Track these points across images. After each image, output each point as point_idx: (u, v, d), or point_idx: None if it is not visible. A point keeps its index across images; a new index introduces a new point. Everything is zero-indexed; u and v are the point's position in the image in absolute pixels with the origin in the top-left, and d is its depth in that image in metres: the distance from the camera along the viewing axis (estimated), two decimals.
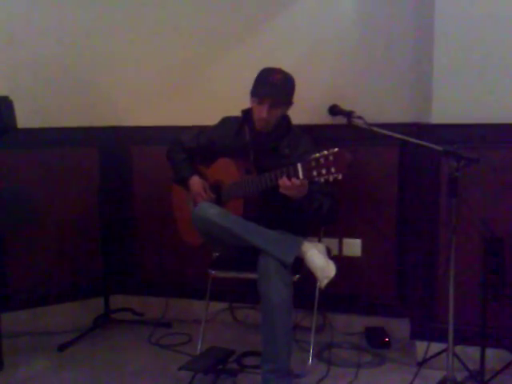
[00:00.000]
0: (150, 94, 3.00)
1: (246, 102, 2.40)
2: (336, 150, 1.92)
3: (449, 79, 2.27)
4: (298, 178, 2.02)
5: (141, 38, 2.97)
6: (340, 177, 1.92)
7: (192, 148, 2.58)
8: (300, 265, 2.19)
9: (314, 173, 1.95)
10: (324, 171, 1.94)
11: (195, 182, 2.51)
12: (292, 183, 2.05)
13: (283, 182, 2.08)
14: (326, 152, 1.93)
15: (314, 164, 1.96)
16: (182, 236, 2.67)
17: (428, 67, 2.35)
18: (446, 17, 2.24)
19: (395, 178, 2.66)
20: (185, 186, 2.56)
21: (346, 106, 2.32)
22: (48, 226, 2.86)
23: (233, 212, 2.28)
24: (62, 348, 2.65)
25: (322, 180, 1.95)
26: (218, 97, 2.84)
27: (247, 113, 2.42)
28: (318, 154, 1.95)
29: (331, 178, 1.93)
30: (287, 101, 2.33)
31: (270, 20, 2.76)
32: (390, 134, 2.16)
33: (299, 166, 2.01)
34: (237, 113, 2.48)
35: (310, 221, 2.35)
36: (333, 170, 1.92)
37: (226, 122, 2.53)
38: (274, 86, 2.27)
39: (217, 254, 2.54)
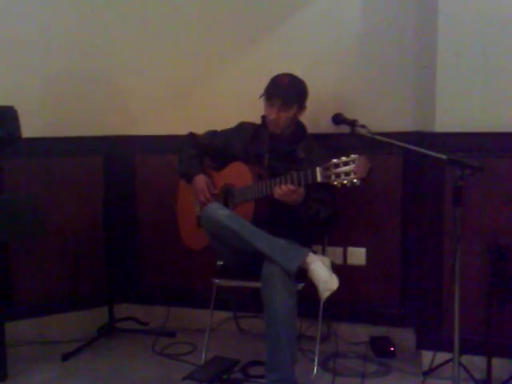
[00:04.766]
0: (154, 104, 3.02)
1: (250, 111, 2.43)
2: (356, 156, 1.95)
3: (452, 88, 2.27)
4: (315, 181, 2.05)
5: (145, 49, 2.99)
6: (358, 183, 1.95)
7: (205, 145, 2.60)
8: (304, 274, 2.19)
9: (333, 177, 1.99)
10: (343, 176, 1.97)
11: (200, 179, 2.53)
12: (287, 189, 2.13)
13: (277, 188, 2.16)
14: (345, 158, 1.97)
15: (332, 169, 2.00)
16: (183, 239, 2.67)
17: (431, 76, 2.35)
18: (450, 26, 2.25)
19: (399, 187, 2.66)
20: (188, 182, 2.58)
21: (349, 114, 2.32)
22: (52, 235, 2.87)
23: (242, 216, 2.30)
24: (65, 357, 2.65)
25: (339, 185, 1.97)
26: (222, 106, 2.85)
27: (265, 118, 2.46)
28: (337, 160, 1.99)
29: (349, 184, 1.96)
30: (297, 102, 2.38)
31: (275, 30, 2.78)
32: (394, 142, 2.16)
33: (318, 169, 2.04)
34: (240, 120, 2.51)
35: (307, 227, 2.38)
36: (352, 175, 1.95)
37: (243, 126, 2.57)
38: (281, 87, 2.34)
39: (221, 263, 2.54)
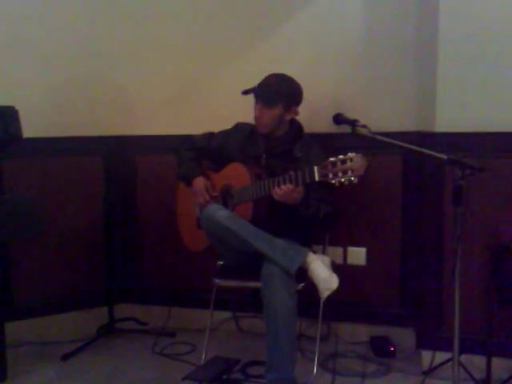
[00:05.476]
0: (154, 104, 3.02)
1: (251, 111, 2.42)
2: (353, 154, 1.95)
3: (452, 87, 2.28)
4: (313, 180, 2.05)
5: (145, 50, 2.99)
6: (356, 181, 1.95)
7: (202, 147, 2.61)
8: (304, 274, 2.19)
9: (330, 175, 1.98)
10: (340, 174, 1.97)
11: (199, 181, 2.54)
12: (286, 189, 2.12)
13: (276, 189, 2.15)
14: (342, 156, 1.96)
15: (330, 167, 1.99)
16: (184, 241, 2.67)
17: (432, 76, 2.35)
18: (450, 26, 2.25)
19: (399, 187, 2.66)
20: (188, 184, 2.59)
21: (350, 114, 2.33)
22: (52, 236, 2.87)
23: (241, 216, 2.30)
24: (65, 358, 2.65)
25: (337, 184, 1.97)
26: (222, 106, 2.85)
27: None
28: (334, 158, 1.98)
29: (347, 182, 1.95)
30: (281, 102, 2.35)
31: (274, 30, 2.78)
32: (394, 142, 2.16)
33: (315, 168, 2.03)
34: (240, 121, 2.52)
35: (308, 225, 2.38)
36: (349, 173, 1.95)
37: (239, 127, 2.57)
38: (265, 85, 2.35)
39: (221, 263, 2.54)
